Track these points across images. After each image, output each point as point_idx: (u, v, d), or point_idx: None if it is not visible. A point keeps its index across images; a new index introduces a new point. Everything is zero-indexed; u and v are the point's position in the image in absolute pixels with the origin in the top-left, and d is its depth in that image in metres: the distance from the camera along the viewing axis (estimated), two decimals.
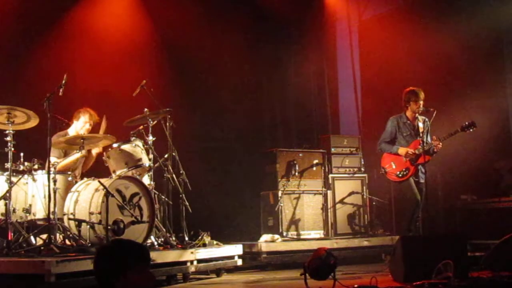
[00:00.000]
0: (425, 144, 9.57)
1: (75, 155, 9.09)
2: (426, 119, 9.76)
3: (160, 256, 8.17)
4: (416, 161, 9.65)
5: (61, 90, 8.18)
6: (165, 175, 9.38)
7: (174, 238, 9.18)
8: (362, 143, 12.05)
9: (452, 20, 11.91)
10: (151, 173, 9.20)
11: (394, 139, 9.97)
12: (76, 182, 8.76)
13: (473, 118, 9.65)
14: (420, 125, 9.78)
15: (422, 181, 9.73)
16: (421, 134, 9.70)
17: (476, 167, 11.51)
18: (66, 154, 9.28)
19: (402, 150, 9.73)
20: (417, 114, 9.82)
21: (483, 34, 11.68)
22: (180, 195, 9.39)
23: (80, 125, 9.46)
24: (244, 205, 11.64)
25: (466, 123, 9.45)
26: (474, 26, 11.63)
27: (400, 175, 9.75)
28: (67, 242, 8.23)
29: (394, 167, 9.82)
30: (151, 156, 9.18)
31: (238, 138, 12.24)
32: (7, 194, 8.07)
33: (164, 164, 9.38)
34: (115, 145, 8.95)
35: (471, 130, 9.47)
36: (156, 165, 9.26)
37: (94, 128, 9.51)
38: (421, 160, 9.59)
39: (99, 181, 8.30)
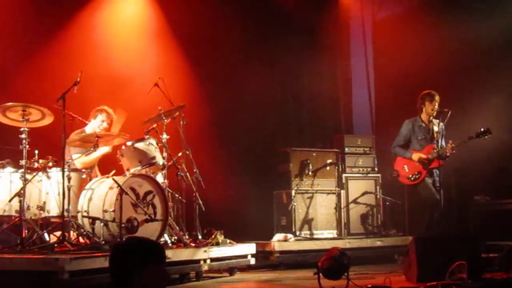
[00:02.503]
0: (438, 149, 9.56)
1: (97, 153, 9.15)
2: (441, 123, 9.72)
3: (173, 255, 8.18)
4: (429, 165, 9.64)
5: (75, 88, 8.21)
6: (178, 173, 9.38)
7: (187, 237, 9.19)
8: (375, 143, 12.04)
9: (466, 20, 11.85)
10: (165, 171, 9.22)
11: (408, 143, 9.96)
12: (90, 179, 8.79)
13: (488, 118, 9.61)
14: (435, 128, 9.75)
15: (437, 184, 9.71)
16: (435, 138, 9.68)
17: (490, 167, 11.45)
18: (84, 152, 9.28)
19: (415, 156, 9.73)
20: (431, 118, 9.81)
21: (497, 34, 11.61)
22: (194, 194, 9.39)
23: (97, 124, 9.49)
24: (257, 204, 11.64)
25: (482, 129, 9.39)
26: (488, 25, 11.56)
27: (412, 179, 9.75)
28: (81, 239, 8.27)
29: (406, 170, 9.84)
30: (165, 154, 9.19)
31: (252, 137, 12.23)
32: (22, 191, 8.11)
33: (178, 162, 9.39)
34: (129, 143, 8.96)
35: (486, 137, 9.42)
36: (169, 163, 9.27)
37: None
38: (433, 164, 9.59)
39: (113, 179, 8.31)
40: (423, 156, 9.68)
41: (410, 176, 9.78)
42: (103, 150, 9.27)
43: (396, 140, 10.07)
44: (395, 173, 9.98)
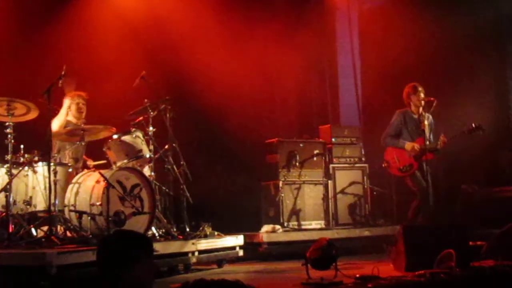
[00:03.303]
0: (430, 142, 9.60)
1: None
2: (431, 117, 9.79)
3: (161, 247, 8.15)
4: (420, 158, 9.66)
5: (60, 81, 8.17)
6: (165, 166, 9.36)
7: (175, 229, 9.18)
8: (362, 133, 12.04)
9: (454, 10, 11.85)
10: (151, 164, 9.20)
11: (400, 134, 9.97)
12: (77, 173, 8.75)
13: (475, 108, 9.65)
14: (426, 122, 9.80)
15: (426, 177, 9.73)
16: (425, 131, 9.71)
17: (478, 156, 11.48)
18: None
19: (408, 145, 9.74)
20: (421, 110, 9.83)
21: (484, 25, 11.64)
22: (181, 186, 9.37)
23: (74, 109, 9.41)
24: (245, 195, 11.63)
25: (473, 125, 9.47)
26: (476, 16, 11.59)
27: (404, 170, 9.77)
28: (68, 233, 8.24)
29: (397, 161, 9.85)
30: (151, 147, 9.17)
31: (239, 129, 12.20)
32: (8, 186, 8.07)
33: (164, 155, 9.37)
34: (115, 136, 8.95)
35: (479, 133, 9.49)
36: (156, 156, 9.26)
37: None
38: (425, 157, 9.61)
39: (99, 173, 8.29)
40: (417, 145, 9.70)
41: (401, 167, 9.80)
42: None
43: (387, 131, 10.08)
44: (385, 163, 9.98)
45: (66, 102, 9.46)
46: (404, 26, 12.46)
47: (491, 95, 11.43)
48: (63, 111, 9.39)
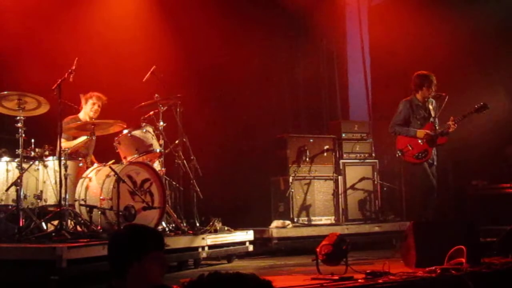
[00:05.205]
0: (438, 126, 9.56)
1: (81, 138, 9.07)
2: (434, 101, 9.74)
3: (171, 242, 8.16)
4: (434, 143, 9.59)
5: (71, 76, 8.19)
6: (176, 160, 9.38)
7: (185, 224, 9.20)
8: (372, 129, 12.00)
9: (464, 4, 11.80)
10: (162, 159, 9.21)
11: (408, 122, 9.87)
12: (87, 168, 8.76)
13: (486, 100, 9.60)
14: (430, 107, 9.76)
15: (435, 163, 9.71)
16: (432, 116, 9.68)
17: (487, 152, 11.43)
18: (74, 139, 9.25)
19: (421, 133, 9.62)
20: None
21: (497, 18, 11.57)
22: (191, 181, 9.39)
23: (89, 108, 9.46)
24: (255, 191, 11.62)
25: (480, 104, 9.41)
26: (488, 9, 11.52)
27: (420, 157, 9.62)
28: (78, 228, 8.23)
29: (411, 148, 9.68)
30: (161, 141, 9.19)
31: (249, 124, 12.20)
32: (18, 181, 8.06)
33: (175, 149, 9.38)
34: (125, 131, 8.95)
35: (484, 111, 9.45)
36: (167, 151, 9.27)
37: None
38: (438, 141, 9.56)
39: (110, 167, 8.30)
40: (429, 132, 9.60)
41: (417, 154, 9.64)
42: (83, 137, 9.19)
43: (395, 119, 9.93)
44: (399, 152, 9.85)
45: (83, 100, 9.50)
46: (414, 21, 12.40)
47: (503, 90, 11.36)
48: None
